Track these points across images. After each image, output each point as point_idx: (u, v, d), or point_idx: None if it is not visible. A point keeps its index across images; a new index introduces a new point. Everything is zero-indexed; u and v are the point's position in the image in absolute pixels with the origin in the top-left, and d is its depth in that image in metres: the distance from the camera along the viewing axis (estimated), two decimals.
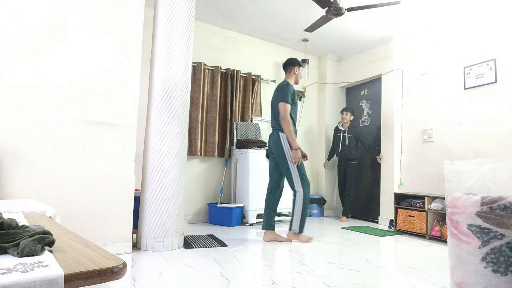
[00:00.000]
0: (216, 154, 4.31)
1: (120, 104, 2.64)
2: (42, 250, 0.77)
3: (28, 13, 2.30)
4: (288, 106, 3.13)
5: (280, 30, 4.59)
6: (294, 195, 3.17)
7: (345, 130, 4.86)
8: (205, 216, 4.30)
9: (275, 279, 2.08)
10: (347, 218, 4.77)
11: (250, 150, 4.14)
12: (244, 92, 4.66)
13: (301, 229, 3.15)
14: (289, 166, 3.14)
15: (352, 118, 4.91)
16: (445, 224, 3.41)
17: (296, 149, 3.10)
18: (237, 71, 4.56)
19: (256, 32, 4.68)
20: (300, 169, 3.15)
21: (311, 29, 3.70)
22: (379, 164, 4.63)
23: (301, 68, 3.38)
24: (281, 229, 3.93)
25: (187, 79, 2.95)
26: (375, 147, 4.81)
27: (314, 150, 5.44)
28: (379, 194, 4.60)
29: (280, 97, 3.17)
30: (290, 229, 3.19)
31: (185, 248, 2.85)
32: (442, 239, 3.40)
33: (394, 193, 4.03)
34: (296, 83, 3.38)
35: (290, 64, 3.35)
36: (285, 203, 4.38)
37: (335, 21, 3.89)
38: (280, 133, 3.18)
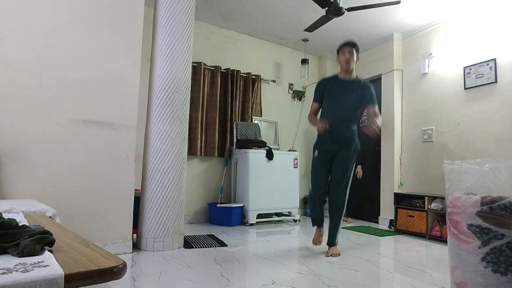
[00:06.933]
0: (216, 154, 4.31)
1: (120, 104, 2.64)
2: (42, 250, 0.77)
3: (27, 11, 2.30)
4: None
5: (280, 30, 4.59)
6: None
7: None
8: (205, 216, 4.29)
9: (275, 279, 2.08)
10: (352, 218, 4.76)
11: (250, 150, 4.14)
12: (244, 92, 4.65)
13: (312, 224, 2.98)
14: None
15: None
16: (445, 224, 3.41)
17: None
18: (237, 71, 4.56)
19: (256, 32, 4.68)
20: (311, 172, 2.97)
21: (311, 29, 3.69)
22: (379, 165, 4.62)
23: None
24: (281, 228, 3.93)
25: (187, 79, 2.95)
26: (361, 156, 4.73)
27: None
28: (379, 194, 4.60)
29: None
30: None
31: (185, 248, 2.85)
32: (442, 239, 3.40)
33: (394, 193, 4.03)
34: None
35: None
36: (284, 203, 4.40)
37: (335, 21, 3.88)
38: None
